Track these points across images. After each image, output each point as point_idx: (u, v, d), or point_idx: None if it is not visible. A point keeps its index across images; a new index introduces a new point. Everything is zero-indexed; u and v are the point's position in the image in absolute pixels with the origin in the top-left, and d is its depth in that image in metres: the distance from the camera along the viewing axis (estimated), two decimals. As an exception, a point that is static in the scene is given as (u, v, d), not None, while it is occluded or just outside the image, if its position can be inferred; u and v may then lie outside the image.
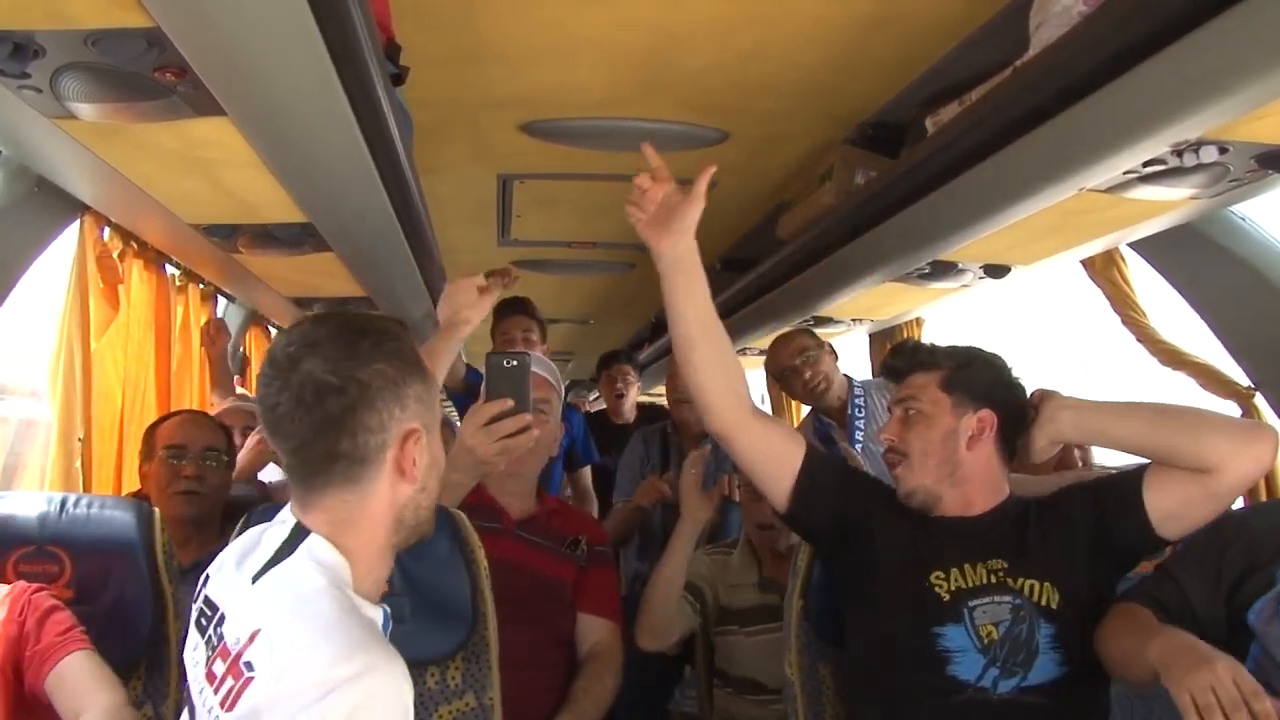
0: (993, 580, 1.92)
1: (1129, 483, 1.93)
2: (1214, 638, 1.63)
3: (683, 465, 3.61)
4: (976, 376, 2.04)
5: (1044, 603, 1.90)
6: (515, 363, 2.05)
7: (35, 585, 1.85)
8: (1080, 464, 2.86)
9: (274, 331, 5.02)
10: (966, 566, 1.93)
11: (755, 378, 7.25)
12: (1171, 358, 2.81)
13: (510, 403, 2.04)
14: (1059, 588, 1.91)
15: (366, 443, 1.29)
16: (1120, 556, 1.96)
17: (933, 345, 2.14)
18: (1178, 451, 1.84)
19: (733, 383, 2.01)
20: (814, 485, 2.02)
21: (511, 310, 3.85)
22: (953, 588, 1.92)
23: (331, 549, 1.30)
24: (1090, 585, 1.92)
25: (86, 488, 2.67)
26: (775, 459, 2.04)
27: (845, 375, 3.62)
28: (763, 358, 5.99)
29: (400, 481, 1.33)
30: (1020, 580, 1.92)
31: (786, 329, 3.95)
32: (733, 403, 2.00)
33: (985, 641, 1.86)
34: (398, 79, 2.17)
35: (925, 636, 1.89)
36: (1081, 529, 1.95)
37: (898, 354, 2.20)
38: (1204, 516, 1.88)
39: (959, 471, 2.00)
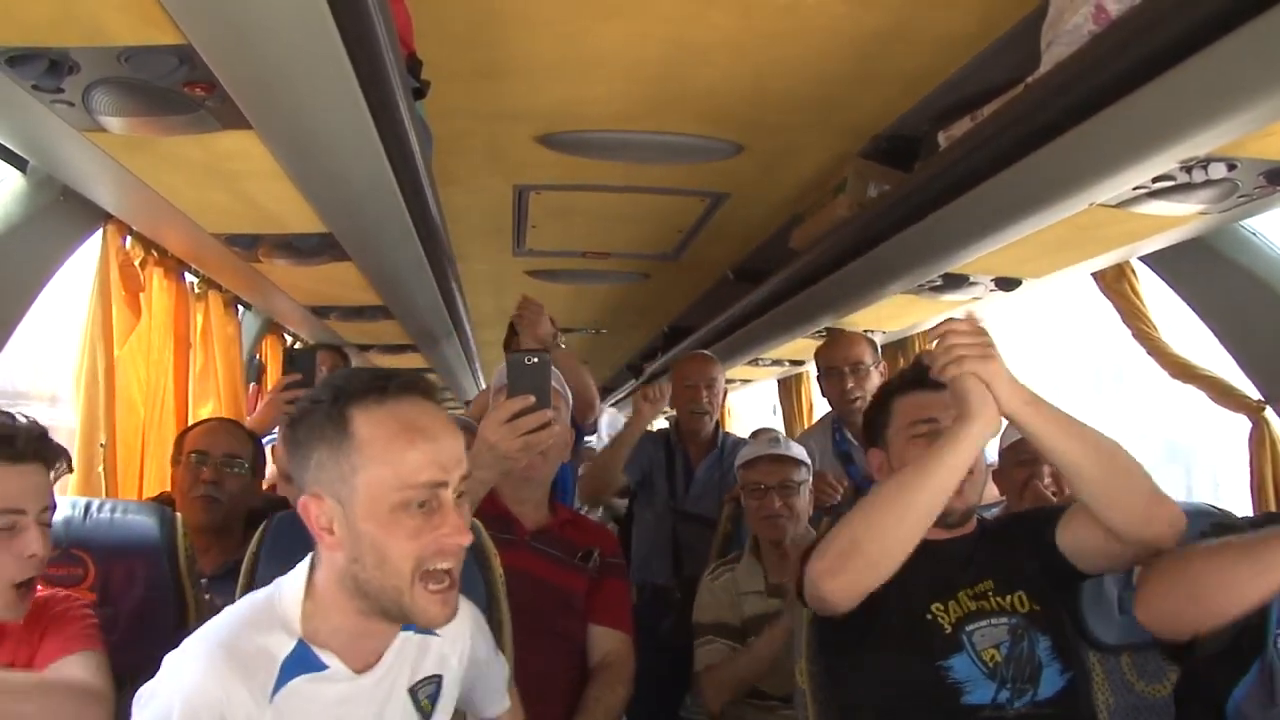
0: (985, 605, 1.94)
1: (1046, 519, 1.96)
2: None
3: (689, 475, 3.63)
4: None
5: (1031, 610, 1.93)
6: (536, 360, 2.09)
7: (65, 593, 1.87)
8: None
9: (289, 339, 5.06)
10: (962, 594, 1.95)
11: (763, 389, 7.27)
12: (1182, 371, 2.81)
13: (532, 399, 2.07)
14: (1035, 598, 1.95)
15: (299, 493, 1.40)
16: (1062, 578, 1.97)
17: None
18: (1097, 487, 1.77)
19: None
20: None
21: None
22: (953, 618, 1.93)
23: (301, 579, 1.42)
24: (1057, 598, 1.97)
25: (110, 493, 2.70)
26: None
27: None
28: (775, 367, 6.05)
29: (324, 544, 1.38)
30: (1008, 596, 1.95)
31: (827, 327, 3.93)
32: None
33: (990, 666, 1.88)
34: (419, 93, 2.20)
35: (932, 671, 1.89)
36: (1025, 551, 1.98)
37: None
38: (1110, 568, 1.93)
39: (980, 493, 2.05)
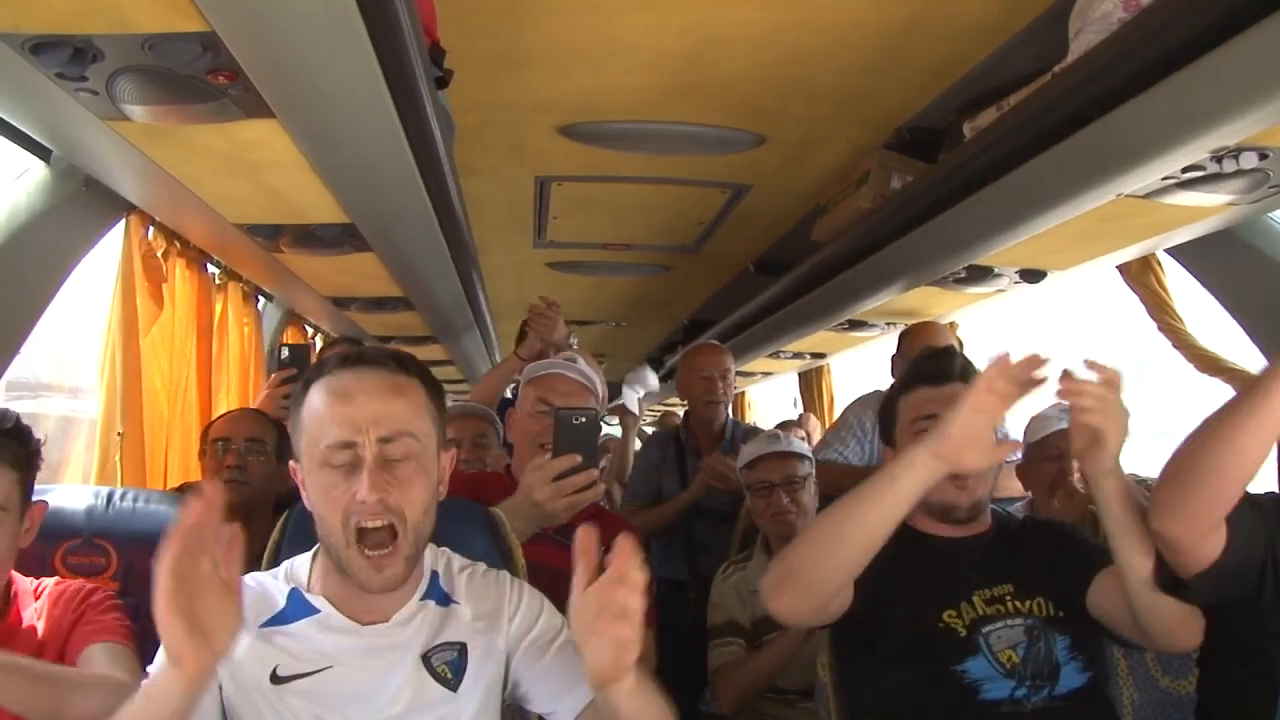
0: (1002, 609, 1.92)
1: (1080, 567, 1.91)
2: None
3: (699, 464, 3.60)
4: None
5: (1052, 615, 1.91)
6: (584, 420, 2.09)
7: (93, 586, 1.86)
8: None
9: (310, 330, 5.07)
10: (976, 598, 1.93)
11: (785, 381, 7.26)
12: (1208, 364, 2.79)
13: (578, 459, 2.07)
14: (1060, 603, 1.92)
15: None
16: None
17: (964, 356, 2.12)
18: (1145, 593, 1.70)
19: None
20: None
21: None
22: (967, 621, 1.91)
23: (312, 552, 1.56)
24: (1081, 607, 1.92)
25: (125, 482, 2.70)
26: None
27: None
28: (796, 360, 6.03)
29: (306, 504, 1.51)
30: (1028, 601, 1.92)
31: (919, 321, 3.90)
32: None
33: (1008, 666, 1.86)
34: (442, 82, 2.19)
35: (948, 674, 1.88)
36: (1051, 564, 1.96)
37: (944, 357, 2.11)
38: (1128, 642, 1.89)
39: (990, 487, 2.03)
